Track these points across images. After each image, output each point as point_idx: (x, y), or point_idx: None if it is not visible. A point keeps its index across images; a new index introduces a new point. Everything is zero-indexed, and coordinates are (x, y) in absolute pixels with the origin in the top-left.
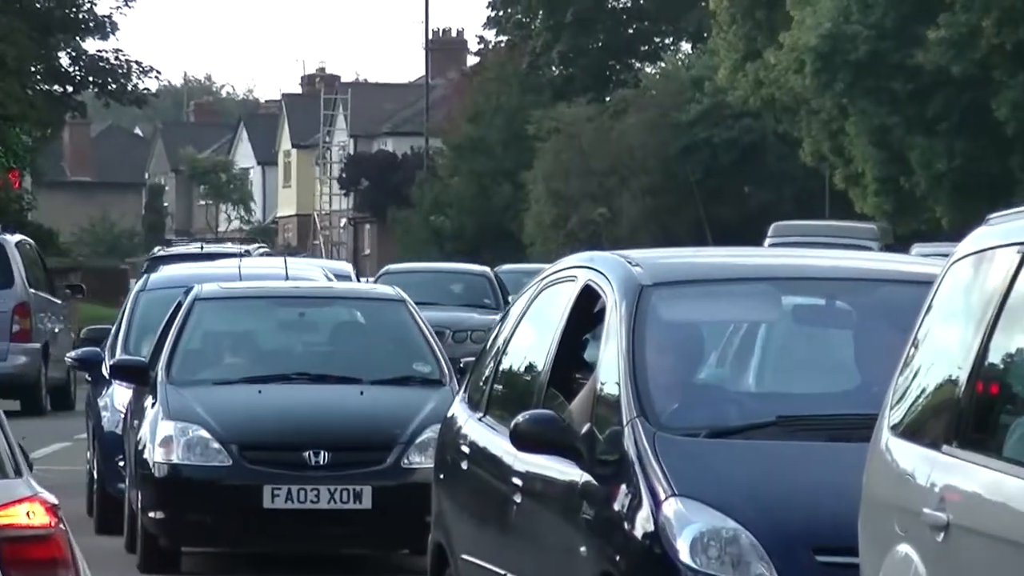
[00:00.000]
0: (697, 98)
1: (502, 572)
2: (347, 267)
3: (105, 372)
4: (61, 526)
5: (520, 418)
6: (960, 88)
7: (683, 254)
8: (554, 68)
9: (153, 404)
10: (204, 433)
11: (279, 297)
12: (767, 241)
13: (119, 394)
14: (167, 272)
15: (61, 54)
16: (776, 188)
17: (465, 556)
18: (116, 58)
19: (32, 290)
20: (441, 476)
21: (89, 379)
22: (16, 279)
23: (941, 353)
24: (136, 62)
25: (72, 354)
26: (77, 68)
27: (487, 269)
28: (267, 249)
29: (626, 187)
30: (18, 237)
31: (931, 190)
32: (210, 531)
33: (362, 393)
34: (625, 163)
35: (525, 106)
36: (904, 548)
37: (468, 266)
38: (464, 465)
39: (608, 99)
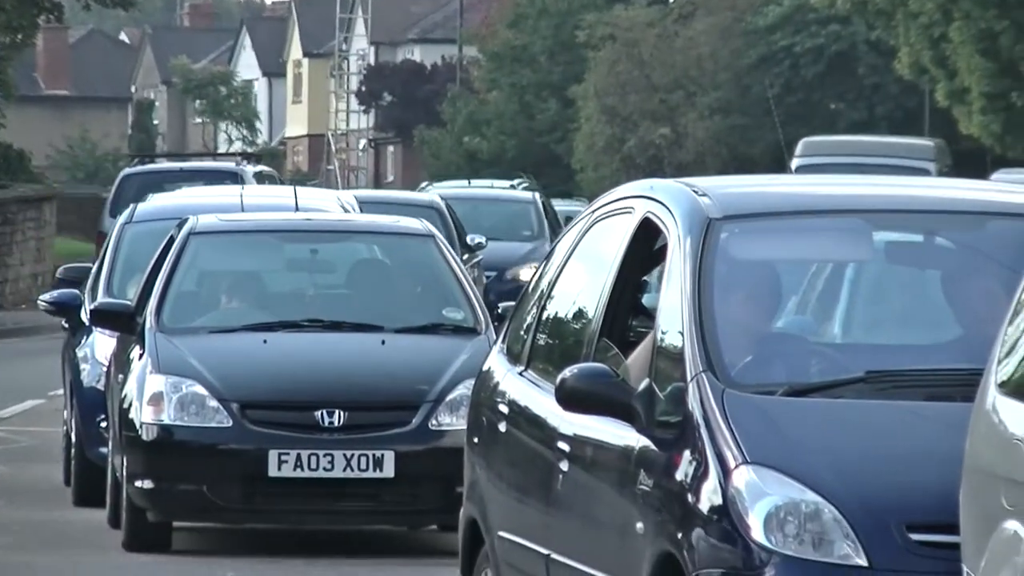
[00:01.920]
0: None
1: (545, 552)
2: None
3: (84, 318)
4: None
5: (567, 373)
6: None
7: (758, 182)
8: None
9: (140, 355)
10: (200, 389)
11: (287, 231)
12: (794, 162)
13: (101, 344)
14: (157, 201)
15: None
16: (868, 105)
17: (503, 533)
18: None
19: None
20: (475, 440)
21: (66, 326)
22: None
23: None
24: None
25: (47, 297)
26: None
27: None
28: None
29: (692, 104)
30: None
31: None
32: (206, 503)
33: (383, 343)
34: (691, 76)
35: (575, 9)
36: (1013, 525)
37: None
38: (502, 427)
39: (672, 1)
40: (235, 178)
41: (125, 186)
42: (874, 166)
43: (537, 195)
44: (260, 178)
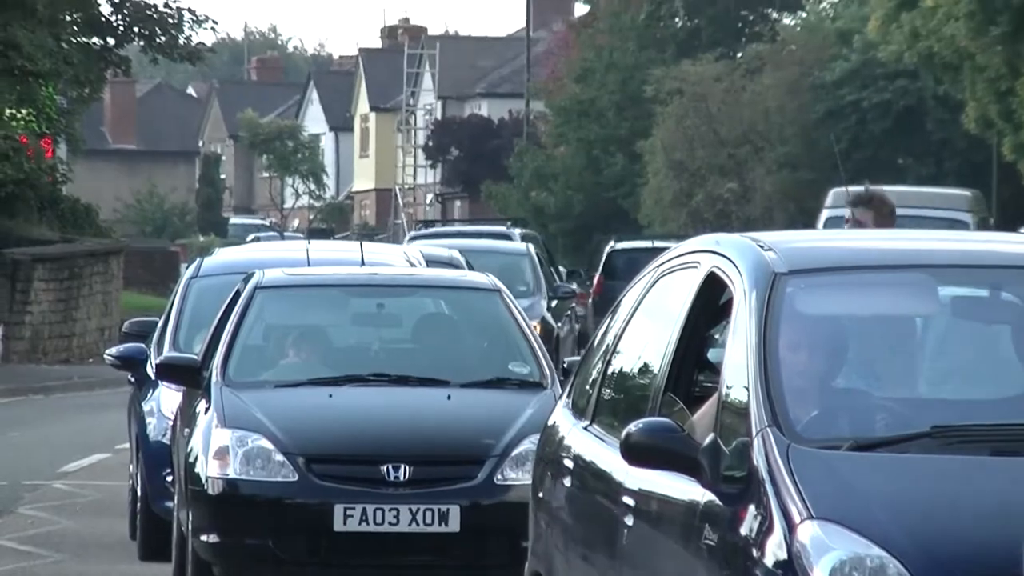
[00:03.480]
0: (844, 54)
1: None
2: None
3: (151, 372)
4: None
5: (633, 427)
6: None
7: (824, 237)
8: (677, 19)
9: (206, 410)
10: (266, 443)
11: (354, 285)
12: (824, 213)
13: (167, 398)
14: (223, 256)
15: (101, 0)
16: (936, 160)
17: None
18: (165, 5)
19: None
20: (540, 495)
21: (132, 380)
22: None
23: None
24: (189, 10)
25: (113, 351)
26: (120, 17)
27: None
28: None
29: (760, 158)
30: None
31: None
32: (272, 557)
33: (449, 397)
34: (759, 130)
35: (643, 63)
36: None
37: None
38: (567, 482)
39: (740, 55)
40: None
41: None
42: (909, 217)
43: (531, 246)
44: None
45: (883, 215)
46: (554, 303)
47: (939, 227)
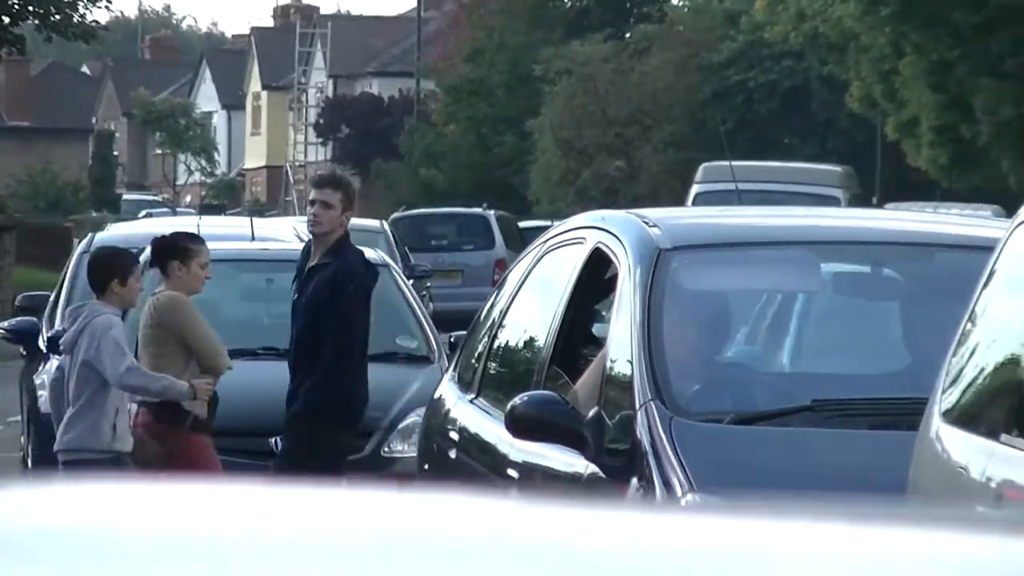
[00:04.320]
0: (731, 35)
1: None
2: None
3: (42, 345)
4: None
5: (517, 400)
6: None
7: (708, 214)
8: (567, 0)
9: None
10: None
11: (244, 260)
12: (694, 188)
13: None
14: (115, 231)
15: None
16: (821, 140)
17: None
18: None
19: None
20: (426, 467)
21: (24, 353)
22: None
23: (1002, 329)
24: None
25: (5, 324)
26: None
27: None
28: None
29: (647, 138)
30: None
31: (996, 140)
32: None
33: None
34: (646, 110)
35: (532, 44)
36: None
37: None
38: (452, 454)
39: (628, 36)
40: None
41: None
42: (780, 193)
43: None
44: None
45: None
46: (410, 281)
47: (810, 203)
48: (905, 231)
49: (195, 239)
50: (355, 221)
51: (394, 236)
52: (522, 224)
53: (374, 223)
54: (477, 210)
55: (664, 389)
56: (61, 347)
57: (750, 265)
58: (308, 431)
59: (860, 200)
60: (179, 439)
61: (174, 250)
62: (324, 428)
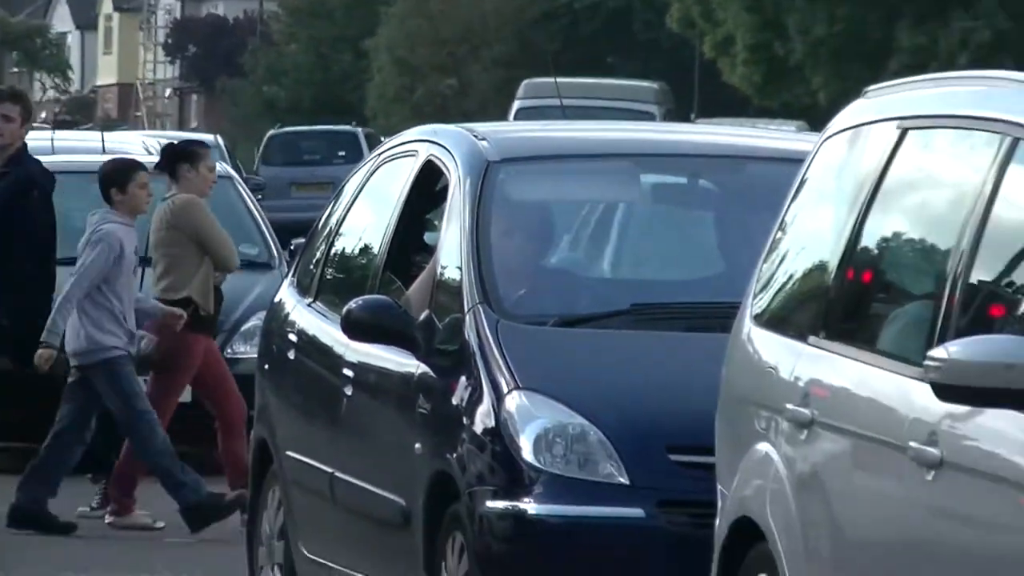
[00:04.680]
0: None
1: (329, 470)
2: (212, 138)
3: None
4: None
5: (352, 304)
6: None
7: (534, 128)
8: None
9: None
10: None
11: (94, 172)
12: (515, 104)
13: None
14: None
15: None
16: (643, 59)
17: (290, 453)
18: None
19: None
20: (265, 367)
21: None
22: None
23: (810, 237)
24: None
25: None
26: None
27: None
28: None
29: (477, 58)
30: None
31: (808, 58)
32: (10, 428)
33: None
34: (477, 31)
35: None
36: (764, 447)
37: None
38: (291, 355)
39: None
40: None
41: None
42: (598, 108)
43: (220, 138)
44: None
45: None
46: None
47: (626, 118)
48: (720, 144)
49: (202, 144)
50: (187, 135)
51: (227, 149)
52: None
53: (208, 137)
54: (346, 127)
55: (491, 293)
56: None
57: (573, 176)
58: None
59: (676, 115)
60: (182, 338)
61: (183, 154)
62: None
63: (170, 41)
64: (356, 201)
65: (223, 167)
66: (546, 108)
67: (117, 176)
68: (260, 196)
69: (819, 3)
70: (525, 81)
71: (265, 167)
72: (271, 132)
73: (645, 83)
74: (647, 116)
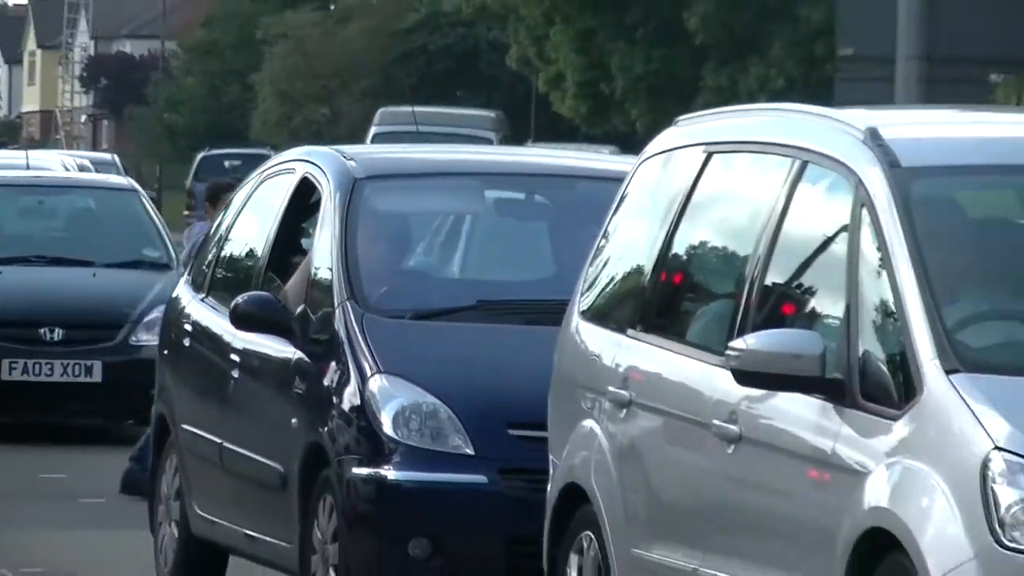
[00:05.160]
0: (415, 7)
1: (219, 441)
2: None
3: None
4: None
5: (239, 299)
6: None
7: (395, 150)
8: None
9: None
10: None
11: (20, 185)
12: (372, 130)
13: None
14: None
15: None
16: (487, 93)
17: (185, 426)
18: None
19: None
20: (165, 352)
21: None
22: None
23: (629, 245)
24: None
25: None
26: None
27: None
28: None
29: (347, 90)
30: None
31: (627, 93)
32: None
33: (95, 275)
34: (347, 67)
35: (256, 12)
36: (589, 423)
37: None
38: (186, 342)
39: (332, 7)
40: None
41: None
42: (443, 134)
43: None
44: None
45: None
46: None
47: (467, 142)
48: (552, 165)
49: (230, 187)
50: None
51: (122, 166)
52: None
53: (107, 156)
54: (263, 150)
55: (357, 291)
56: None
57: (427, 192)
58: None
59: (512, 141)
60: None
61: (224, 187)
62: None
63: (85, 74)
64: (243, 211)
65: (129, 182)
66: (399, 133)
67: (209, 194)
68: (192, 207)
69: (637, 46)
70: (380, 110)
71: (196, 182)
72: (201, 154)
73: (483, 112)
74: (486, 141)
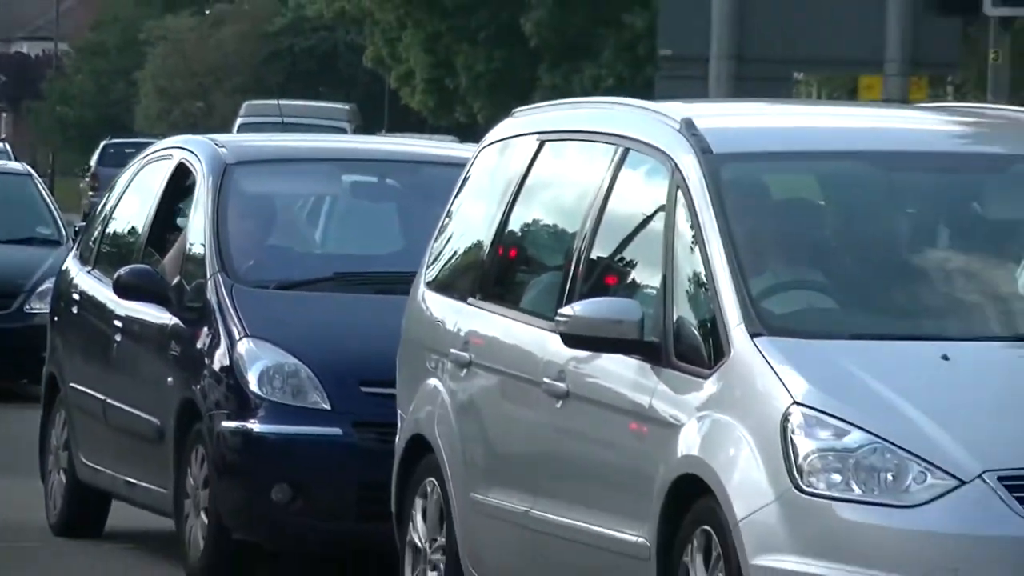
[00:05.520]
0: (282, 12)
1: (103, 397)
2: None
3: None
4: None
5: (122, 271)
6: (498, 5)
7: (262, 139)
8: None
9: None
10: None
11: None
12: (238, 120)
13: None
14: None
15: None
16: (346, 89)
17: (73, 384)
18: None
19: None
20: (55, 319)
21: None
22: None
23: (470, 223)
24: None
25: None
26: None
27: None
28: None
29: (220, 87)
30: None
31: (470, 89)
32: None
33: None
34: (220, 67)
35: (139, 16)
36: (433, 381)
37: None
38: (74, 310)
39: (208, 12)
40: None
41: None
42: (302, 125)
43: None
44: None
45: None
46: None
47: (323, 132)
48: (402, 152)
49: None
50: None
51: (11, 151)
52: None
53: None
54: (156, 140)
55: (227, 264)
56: None
57: (291, 176)
58: None
59: (365, 131)
60: None
61: None
62: None
63: None
64: (126, 193)
65: (24, 166)
66: (261, 123)
67: None
68: (96, 188)
69: (479, 47)
70: (245, 103)
71: (101, 167)
72: (104, 142)
73: (339, 105)
74: (340, 130)
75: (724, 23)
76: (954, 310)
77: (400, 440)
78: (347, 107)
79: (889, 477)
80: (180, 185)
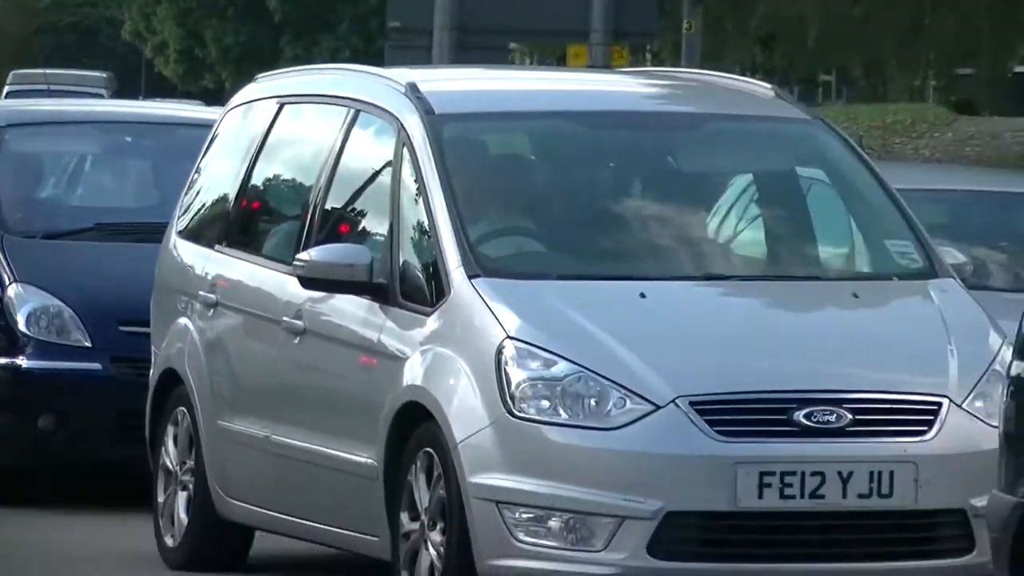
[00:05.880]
0: None
1: None
2: None
3: None
4: None
5: None
6: None
7: (30, 103)
8: None
9: None
10: None
11: None
12: (5, 89)
13: None
14: None
15: None
16: (106, 60)
17: None
18: None
19: None
20: None
21: None
22: None
23: (217, 177)
24: None
25: None
26: None
27: None
28: None
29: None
30: None
31: (219, 60)
32: None
33: None
34: None
35: None
36: (184, 320)
37: None
38: None
39: None
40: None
41: None
42: (64, 91)
43: None
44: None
45: None
46: None
47: (77, 96)
48: (156, 115)
49: None
50: None
51: None
52: None
53: None
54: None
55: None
56: None
57: (57, 136)
58: None
59: (124, 96)
60: None
61: None
62: None
63: None
64: None
65: None
66: (27, 92)
67: None
68: None
69: (227, 22)
70: (12, 72)
71: None
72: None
73: (97, 73)
74: (99, 96)
75: None
76: (651, 253)
77: (154, 373)
78: (104, 75)
79: (592, 403)
80: None
